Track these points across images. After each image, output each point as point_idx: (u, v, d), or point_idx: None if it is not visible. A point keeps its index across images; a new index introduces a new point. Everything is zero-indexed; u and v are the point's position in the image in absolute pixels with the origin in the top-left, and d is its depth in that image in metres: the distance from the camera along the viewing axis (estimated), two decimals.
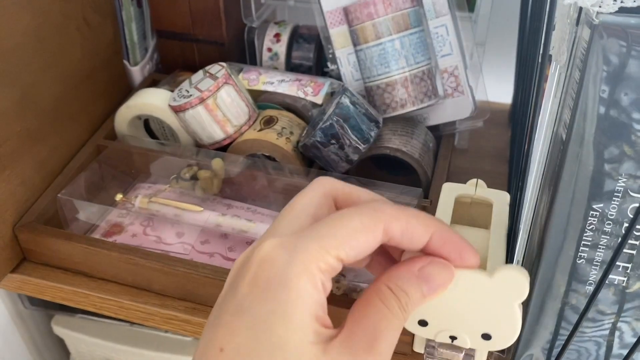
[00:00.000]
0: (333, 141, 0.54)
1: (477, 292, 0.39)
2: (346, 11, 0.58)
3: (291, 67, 0.70)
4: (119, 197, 0.57)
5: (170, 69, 0.71)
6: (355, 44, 0.58)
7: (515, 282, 0.37)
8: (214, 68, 0.59)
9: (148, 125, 0.66)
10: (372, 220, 0.28)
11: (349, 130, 0.53)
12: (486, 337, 0.41)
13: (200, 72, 0.60)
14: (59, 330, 0.83)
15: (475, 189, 0.48)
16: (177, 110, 0.57)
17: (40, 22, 0.53)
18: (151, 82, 0.70)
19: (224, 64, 0.59)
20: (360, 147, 0.54)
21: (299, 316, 0.26)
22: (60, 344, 1.00)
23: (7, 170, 0.52)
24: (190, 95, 0.56)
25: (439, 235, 0.30)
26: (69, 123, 0.60)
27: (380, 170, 0.61)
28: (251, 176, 0.57)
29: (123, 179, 0.63)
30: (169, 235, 0.56)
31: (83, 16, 0.59)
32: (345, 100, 0.54)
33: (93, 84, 0.62)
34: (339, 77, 0.64)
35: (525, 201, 0.46)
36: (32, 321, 0.94)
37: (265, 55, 0.70)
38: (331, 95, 0.62)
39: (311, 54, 0.70)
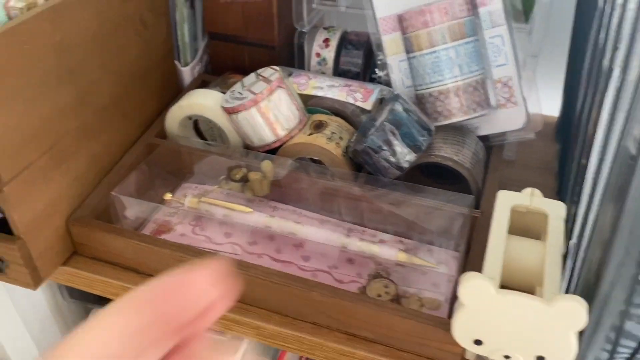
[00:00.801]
0: (385, 148, 0.54)
1: (535, 317, 0.39)
2: (400, 18, 0.58)
3: (339, 72, 0.70)
4: (168, 196, 0.58)
5: (220, 70, 0.71)
6: (408, 51, 0.58)
7: (573, 312, 0.37)
8: (266, 71, 0.60)
9: (197, 125, 0.67)
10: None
11: (401, 138, 0.53)
12: (540, 359, 0.40)
13: (252, 75, 0.61)
14: None
15: (531, 198, 0.47)
16: (230, 112, 0.57)
17: (101, 21, 0.54)
18: (201, 82, 0.71)
19: (277, 67, 0.59)
20: (412, 155, 0.54)
21: None
22: None
23: (64, 164, 0.53)
24: (244, 97, 0.57)
25: None
26: (122, 121, 0.61)
27: (427, 178, 0.61)
28: (299, 179, 0.58)
29: (169, 178, 0.63)
30: (218, 235, 0.57)
31: (140, 16, 0.60)
32: (399, 107, 0.54)
33: (146, 83, 0.63)
34: (387, 84, 0.64)
35: (580, 215, 0.45)
36: (69, 313, 0.95)
37: (314, 60, 0.70)
38: (380, 101, 0.62)
39: (359, 60, 0.70)
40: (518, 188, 0.49)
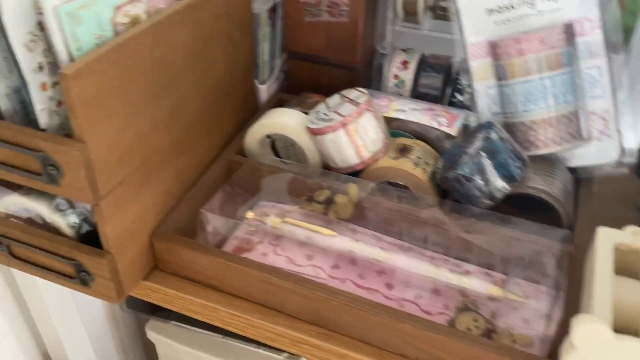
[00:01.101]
0: (478, 176, 0.52)
1: None
2: (494, 45, 0.57)
3: (417, 95, 0.69)
4: (249, 214, 0.57)
5: (296, 89, 0.71)
6: (500, 78, 0.57)
7: None
8: (352, 93, 0.59)
9: (273, 144, 0.66)
10: None
11: (495, 167, 0.52)
12: None
13: (336, 97, 0.60)
14: (152, 335, 0.84)
15: (634, 237, 0.46)
16: (316, 132, 0.57)
17: (196, 37, 0.54)
18: (277, 101, 0.71)
19: (364, 90, 0.58)
20: (505, 185, 0.52)
21: None
22: (147, 347, 1.02)
23: (153, 179, 0.53)
24: (331, 119, 0.56)
25: None
26: (206, 137, 0.61)
27: (511, 208, 0.59)
28: (382, 203, 0.57)
29: (247, 195, 0.63)
30: (299, 257, 0.56)
31: (229, 33, 0.60)
32: (494, 135, 0.53)
33: (229, 101, 0.63)
34: (467, 109, 0.64)
35: None
36: (123, 323, 0.96)
37: (391, 81, 0.70)
38: (465, 127, 0.61)
39: (439, 84, 0.69)
40: (602, 222, 0.47)
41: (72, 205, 0.51)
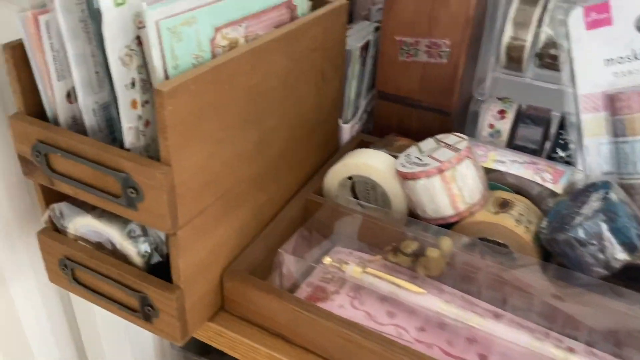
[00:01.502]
0: (594, 241, 0.46)
1: None
2: (612, 98, 0.51)
3: (513, 147, 0.64)
4: (327, 260, 0.52)
5: (381, 131, 0.67)
6: (617, 134, 0.52)
7: None
8: (449, 138, 0.54)
9: (353, 186, 0.62)
10: None
11: (614, 232, 0.46)
12: None
13: (431, 140, 0.56)
14: None
15: None
16: (407, 177, 0.52)
17: (291, 68, 0.52)
18: (359, 142, 0.67)
19: (463, 136, 0.54)
20: (624, 254, 0.46)
21: None
22: None
23: (233, 212, 0.49)
24: (426, 164, 0.52)
25: None
26: (287, 173, 0.57)
27: (623, 279, 0.52)
28: (476, 262, 0.51)
29: (320, 239, 0.59)
30: (380, 314, 0.50)
31: (322, 68, 0.57)
32: (613, 196, 0.47)
33: (313, 137, 0.60)
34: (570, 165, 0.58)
35: None
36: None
37: (486, 130, 0.65)
38: (572, 185, 0.55)
39: (538, 137, 0.63)
40: None
41: (145, 233, 0.48)
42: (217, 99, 0.43)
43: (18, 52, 0.44)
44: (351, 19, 0.70)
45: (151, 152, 0.45)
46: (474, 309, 0.49)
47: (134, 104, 0.43)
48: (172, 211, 0.42)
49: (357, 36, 0.66)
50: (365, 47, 0.65)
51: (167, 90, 0.38)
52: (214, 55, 0.44)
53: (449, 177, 0.51)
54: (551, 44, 0.58)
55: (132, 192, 0.42)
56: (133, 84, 0.42)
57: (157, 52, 0.40)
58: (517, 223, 0.51)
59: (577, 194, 0.51)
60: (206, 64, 0.42)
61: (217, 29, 0.44)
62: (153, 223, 0.43)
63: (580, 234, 0.46)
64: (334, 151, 0.66)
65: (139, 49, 0.42)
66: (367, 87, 0.70)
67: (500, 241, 0.51)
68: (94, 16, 0.39)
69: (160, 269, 0.49)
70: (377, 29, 0.67)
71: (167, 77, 0.41)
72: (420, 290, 0.49)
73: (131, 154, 0.42)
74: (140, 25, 0.41)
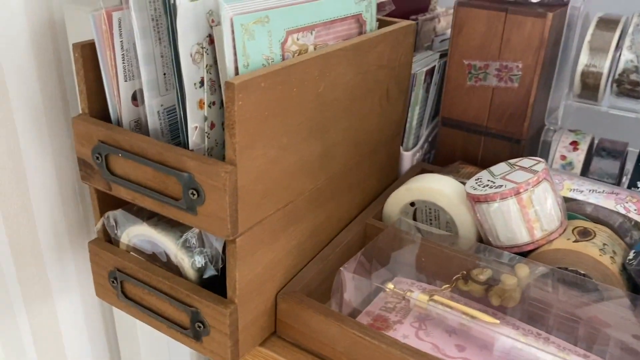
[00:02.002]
0: None
1: None
2: None
3: None
4: (390, 286, 0.48)
5: (445, 160, 0.64)
6: None
7: None
8: (524, 162, 0.51)
9: (414, 213, 0.59)
10: None
11: None
12: None
13: (503, 165, 0.52)
14: None
15: None
16: (479, 200, 0.49)
17: (358, 81, 0.50)
18: (420, 171, 0.64)
19: (540, 159, 0.50)
20: None
21: None
22: None
23: (291, 226, 0.47)
24: (500, 186, 0.48)
25: None
26: (347, 193, 0.54)
27: None
28: (555, 293, 0.46)
29: (379, 266, 0.55)
30: (448, 346, 0.46)
31: (387, 87, 0.55)
32: None
33: (374, 160, 0.58)
34: None
35: None
36: None
37: (558, 161, 0.61)
38: None
39: (616, 170, 0.59)
40: None
41: (201, 244, 0.45)
42: (284, 100, 0.41)
43: (87, 51, 0.44)
44: (414, 48, 0.69)
45: (214, 156, 0.43)
46: (552, 346, 0.44)
47: (200, 104, 0.42)
48: (233, 215, 0.39)
49: (422, 62, 0.64)
50: (430, 73, 0.63)
51: (238, 84, 0.36)
52: (284, 59, 0.43)
53: (526, 200, 0.47)
54: (631, 69, 0.55)
55: (193, 194, 0.40)
56: (202, 83, 0.41)
57: (229, 47, 0.38)
58: (602, 252, 0.46)
59: None
60: (277, 64, 0.40)
61: (289, 33, 0.43)
62: (212, 228, 0.40)
63: None
64: (394, 179, 0.63)
65: (210, 48, 0.41)
66: (430, 116, 0.67)
67: (582, 271, 0.46)
68: (168, 11, 0.39)
69: (213, 285, 0.46)
70: (442, 55, 0.66)
71: (237, 74, 0.40)
72: (494, 320, 0.44)
73: (195, 153, 0.40)
74: (213, 23, 0.40)
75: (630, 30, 0.54)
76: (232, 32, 0.38)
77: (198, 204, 0.40)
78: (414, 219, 0.58)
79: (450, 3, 0.67)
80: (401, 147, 0.64)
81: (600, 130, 0.64)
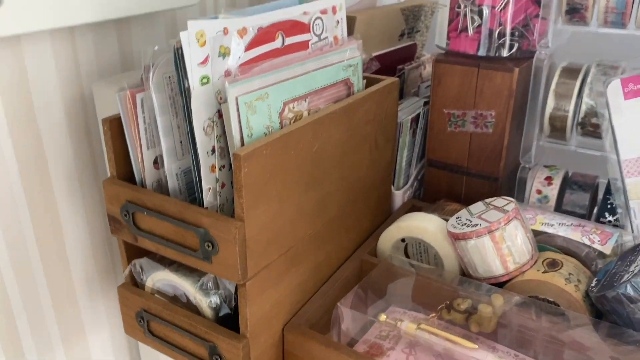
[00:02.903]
0: None
1: None
2: None
3: (561, 212, 0.66)
4: (382, 317, 0.55)
5: (432, 196, 0.71)
6: None
7: None
8: (498, 201, 0.58)
9: (405, 247, 0.65)
10: None
11: None
12: None
13: (480, 204, 0.59)
14: None
15: None
16: (458, 237, 0.55)
17: (348, 137, 0.57)
18: (411, 207, 0.71)
19: (511, 198, 0.57)
20: None
21: None
22: None
23: (294, 268, 0.53)
24: (475, 225, 0.55)
25: None
26: (343, 234, 0.61)
27: None
28: (527, 320, 0.52)
29: (374, 298, 0.61)
30: None
31: (375, 137, 0.62)
32: None
33: (366, 201, 0.64)
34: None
35: None
36: None
37: (534, 196, 0.67)
38: (620, 247, 0.57)
39: (585, 202, 0.66)
40: None
41: (216, 286, 0.52)
42: (283, 162, 0.48)
43: (114, 125, 0.51)
44: (402, 94, 0.76)
45: (225, 211, 0.50)
46: None
47: (212, 168, 0.49)
48: (243, 263, 0.46)
49: (408, 110, 0.72)
50: (415, 120, 0.70)
51: (244, 155, 0.43)
52: (282, 126, 0.50)
53: (499, 237, 0.54)
54: (592, 113, 0.62)
55: (208, 246, 0.47)
56: (213, 151, 0.48)
57: (235, 122, 0.46)
58: (567, 282, 0.52)
59: (626, 254, 0.53)
60: (276, 132, 0.48)
61: (285, 103, 0.50)
62: (225, 274, 0.47)
63: (630, 290, 0.48)
64: (387, 216, 0.70)
65: (219, 121, 0.48)
66: (418, 156, 0.74)
67: (550, 299, 0.53)
68: (183, 93, 0.46)
69: (228, 322, 0.53)
70: (425, 102, 0.73)
71: (243, 144, 0.47)
72: (473, 345, 0.50)
73: (209, 211, 0.47)
74: (221, 100, 0.48)
75: (589, 80, 0.61)
76: (237, 109, 0.46)
77: (213, 254, 0.47)
78: (405, 252, 0.65)
79: (435, 49, 0.75)
80: (393, 187, 0.71)
81: (575, 163, 0.71)
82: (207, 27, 0.46)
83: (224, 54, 0.48)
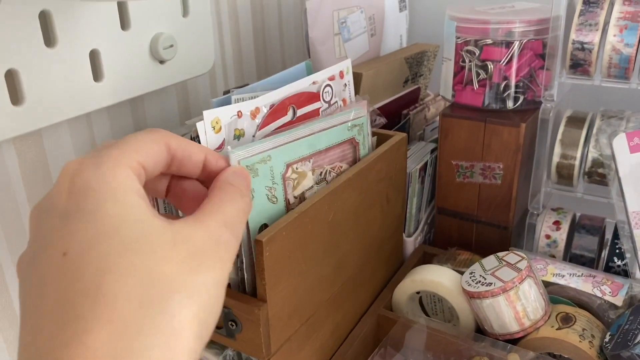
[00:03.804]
0: None
1: None
2: None
3: (570, 256, 0.68)
4: None
5: (443, 242, 0.72)
6: None
7: None
8: (510, 257, 0.59)
9: (420, 298, 0.67)
10: (156, 135, 0.31)
11: None
12: None
13: (492, 258, 0.60)
14: None
15: None
16: (473, 296, 0.57)
17: (361, 199, 0.58)
18: (422, 254, 0.72)
19: (522, 254, 0.58)
20: None
21: (129, 198, 0.27)
22: None
23: (314, 334, 0.55)
24: (490, 283, 0.56)
25: (211, 156, 0.35)
26: (360, 290, 0.62)
27: None
28: None
29: (392, 353, 0.63)
30: None
31: (387, 193, 0.64)
32: None
33: (380, 254, 0.66)
34: (626, 274, 0.61)
35: None
36: None
37: (543, 241, 0.69)
38: (631, 298, 0.58)
39: (594, 246, 0.67)
40: None
41: (240, 358, 0.53)
42: (302, 237, 0.49)
43: None
44: (408, 139, 0.77)
45: (246, 284, 0.51)
46: None
47: None
48: (266, 341, 0.47)
49: (416, 157, 0.73)
50: (423, 168, 0.71)
51: (265, 240, 0.44)
52: (284, 187, 0.51)
53: (513, 296, 0.55)
54: (598, 163, 0.63)
55: (232, 325, 0.48)
56: None
57: None
58: (581, 338, 0.54)
59: (638, 309, 0.54)
60: (294, 210, 0.49)
61: (288, 165, 0.51)
62: (249, 351, 0.49)
63: None
64: (400, 264, 0.71)
65: None
66: (427, 201, 0.75)
67: (565, 356, 0.54)
68: None
69: None
70: (432, 150, 0.74)
71: None
72: None
73: (233, 292, 0.48)
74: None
75: (594, 131, 0.63)
76: None
77: (236, 332, 0.48)
78: (421, 303, 0.66)
79: (438, 87, 0.75)
80: (404, 234, 0.72)
81: (581, 203, 0.72)
82: (222, 114, 0.47)
83: (239, 135, 0.49)
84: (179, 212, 0.39)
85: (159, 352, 0.25)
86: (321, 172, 0.55)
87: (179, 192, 0.36)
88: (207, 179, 0.35)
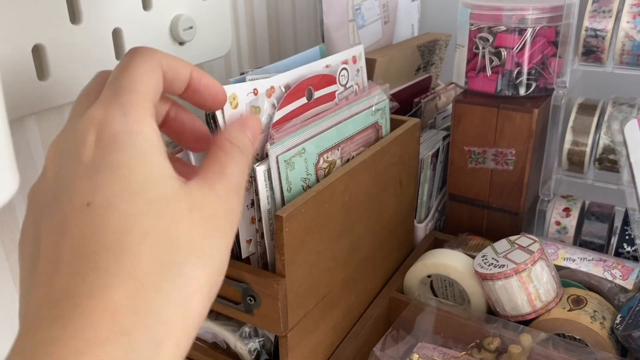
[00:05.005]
0: None
1: None
2: None
3: (580, 243, 0.68)
4: (415, 357, 0.57)
5: (453, 229, 0.73)
6: None
7: None
8: (522, 240, 0.60)
9: (431, 282, 0.67)
10: (154, 62, 0.31)
11: None
12: None
13: (504, 242, 0.61)
14: None
15: None
16: (486, 277, 0.57)
17: (375, 182, 0.59)
18: (433, 239, 0.73)
19: (534, 237, 0.59)
20: None
21: (154, 156, 0.28)
22: None
23: (329, 313, 0.55)
24: (503, 265, 0.57)
25: (196, 72, 0.34)
26: (372, 273, 0.63)
27: None
28: (554, 358, 0.54)
29: (403, 335, 0.63)
30: None
31: (399, 178, 0.64)
32: None
33: (393, 239, 0.66)
34: (635, 259, 0.61)
35: None
36: None
37: (553, 227, 0.69)
38: None
39: (604, 233, 0.68)
40: None
41: (256, 333, 0.54)
42: (319, 216, 0.50)
43: None
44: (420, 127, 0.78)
45: (265, 259, 0.52)
46: None
47: (252, 220, 0.51)
48: (284, 316, 0.48)
49: (427, 144, 0.73)
50: (435, 155, 0.72)
51: (285, 216, 0.45)
52: (317, 177, 0.52)
53: (525, 278, 0.56)
54: (609, 150, 0.63)
55: (250, 300, 0.49)
56: (252, 204, 0.50)
57: (276, 178, 0.48)
58: (592, 320, 0.54)
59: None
60: (312, 189, 0.50)
61: (320, 155, 0.52)
62: (267, 326, 0.49)
63: None
64: (411, 249, 0.72)
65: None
66: (438, 188, 0.76)
67: (577, 337, 0.55)
68: None
69: None
70: (444, 137, 0.75)
71: (282, 197, 0.49)
72: None
73: (252, 268, 0.49)
74: (257, 156, 0.50)
75: (606, 118, 0.63)
76: (278, 167, 0.48)
77: (255, 308, 0.49)
78: (432, 287, 0.67)
79: (449, 77, 0.76)
80: (415, 220, 0.73)
81: (591, 190, 0.72)
82: (239, 90, 0.48)
83: (256, 113, 0.50)
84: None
85: (173, 312, 0.26)
86: (348, 159, 0.56)
87: (178, 127, 0.37)
88: (190, 96, 0.35)
